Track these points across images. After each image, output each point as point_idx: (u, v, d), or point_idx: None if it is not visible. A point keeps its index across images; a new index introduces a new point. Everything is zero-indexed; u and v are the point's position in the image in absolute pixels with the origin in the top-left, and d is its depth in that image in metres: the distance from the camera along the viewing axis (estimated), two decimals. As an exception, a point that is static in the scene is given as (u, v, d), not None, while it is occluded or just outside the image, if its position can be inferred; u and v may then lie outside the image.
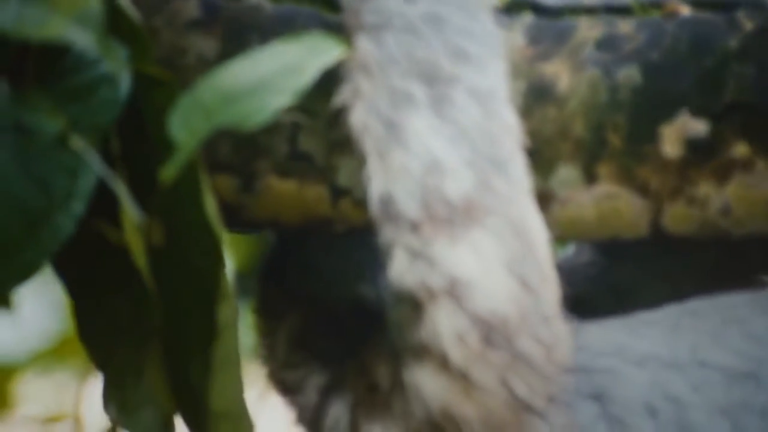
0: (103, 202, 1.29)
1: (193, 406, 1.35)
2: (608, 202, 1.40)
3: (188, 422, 1.36)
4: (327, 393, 1.42)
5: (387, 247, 1.33)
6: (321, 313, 1.47)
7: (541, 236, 1.34)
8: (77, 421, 2.58)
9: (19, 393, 2.65)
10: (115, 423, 1.38)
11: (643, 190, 1.40)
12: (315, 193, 1.40)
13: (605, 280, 1.53)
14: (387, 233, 1.33)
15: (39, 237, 1.26)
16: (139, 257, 1.28)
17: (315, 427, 1.42)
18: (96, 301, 1.36)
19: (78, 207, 1.27)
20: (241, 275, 1.56)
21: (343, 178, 1.39)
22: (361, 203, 1.39)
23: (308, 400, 1.44)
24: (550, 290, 1.34)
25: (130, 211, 1.26)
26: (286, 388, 1.47)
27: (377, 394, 1.36)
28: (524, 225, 1.33)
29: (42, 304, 2.78)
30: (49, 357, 2.73)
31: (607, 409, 1.35)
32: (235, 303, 1.33)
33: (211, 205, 1.29)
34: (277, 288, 1.49)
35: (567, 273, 1.45)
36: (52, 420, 2.69)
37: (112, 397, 1.38)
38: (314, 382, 1.44)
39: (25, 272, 1.26)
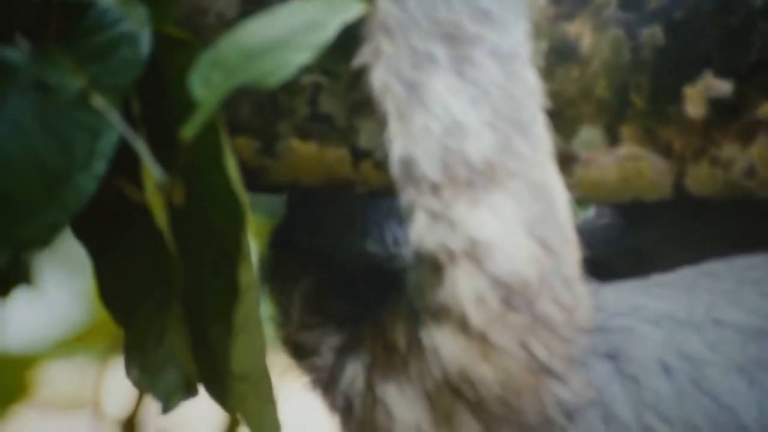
0: (124, 163, 1.29)
1: (213, 369, 1.35)
2: (631, 163, 1.39)
3: (207, 384, 1.36)
4: (343, 353, 1.42)
5: (408, 208, 1.33)
6: (333, 274, 1.47)
7: (562, 198, 1.34)
8: (98, 409, 2.59)
9: (41, 381, 2.66)
10: (137, 386, 1.38)
11: (666, 151, 1.39)
12: (336, 155, 1.39)
13: (625, 243, 1.52)
14: (408, 195, 1.32)
15: (60, 197, 1.26)
16: (161, 217, 1.27)
17: (331, 387, 1.42)
18: (117, 263, 1.36)
19: (99, 167, 1.27)
20: (265, 261, 1.57)
21: (364, 140, 1.39)
22: (383, 165, 1.38)
23: (324, 362, 1.44)
24: (571, 253, 1.33)
25: (152, 171, 1.26)
26: (302, 351, 1.47)
27: (394, 355, 1.36)
28: (545, 187, 1.33)
29: (65, 293, 2.79)
30: (71, 345, 2.75)
31: (621, 367, 1.35)
32: (254, 265, 1.33)
33: (232, 166, 1.29)
34: (289, 251, 1.49)
35: (587, 235, 1.44)
36: (72, 407, 2.70)
37: (133, 360, 1.38)
38: (330, 343, 1.44)
39: (46, 233, 1.26)
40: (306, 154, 1.39)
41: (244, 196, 1.30)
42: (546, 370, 1.32)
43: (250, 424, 1.35)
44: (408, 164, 1.32)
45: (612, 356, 1.35)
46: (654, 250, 1.51)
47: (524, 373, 1.32)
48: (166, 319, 1.35)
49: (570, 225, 1.34)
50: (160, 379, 1.38)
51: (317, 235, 1.48)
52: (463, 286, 1.30)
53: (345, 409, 1.41)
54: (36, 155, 1.26)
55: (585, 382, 1.34)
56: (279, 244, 1.51)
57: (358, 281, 1.47)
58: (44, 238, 1.25)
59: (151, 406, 2.64)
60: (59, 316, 2.78)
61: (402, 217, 1.48)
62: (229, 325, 1.31)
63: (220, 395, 1.35)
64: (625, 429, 1.33)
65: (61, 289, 2.80)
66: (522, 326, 1.31)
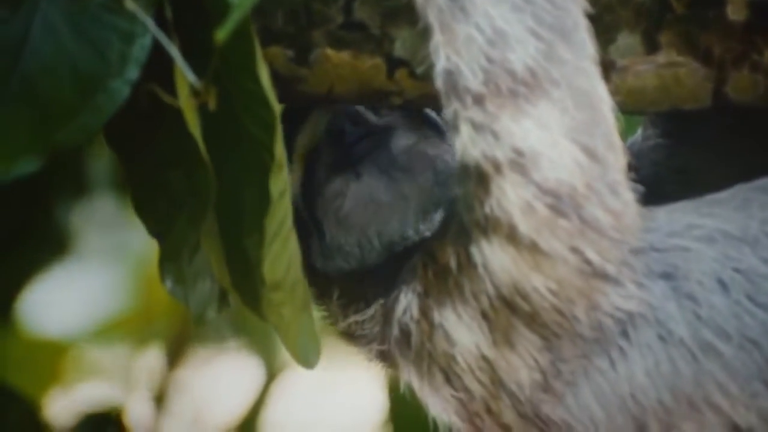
0: (157, 69, 1.31)
1: (248, 278, 1.36)
2: (669, 70, 1.39)
3: (242, 294, 1.37)
4: (395, 287, 1.43)
5: (452, 121, 1.34)
6: (362, 277, 1.47)
7: (606, 105, 1.34)
8: (130, 394, 2.63)
9: (76, 367, 2.71)
10: (172, 295, 1.40)
11: (705, 57, 1.39)
12: (370, 64, 1.40)
13: (672, 162, 1.52)
14: (452, 107, 1.33)
15: (94, 102, 1.28)
16: (193, 122, 1.29)
17: (386, 325, 1.43)
18: (151, 173, 1.38)
19: (133, 72, 1.28)
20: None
21: (399, 49, 1.40)
22: (417, 75, 1.39)
23: (375, 309, 1.45)
24: (617, 159, 1.34)
25: (185, 74, 1.27)
26: (352, 326, 1.48)
27: (447, 278, 1.38)
28: (589, 94, 1.33)
29: (101, 283, 2.87)
30: (107, 332, 2.82)
31: (677, 286, 1.36)
32: (287, 173, 1.34)
33: (264, 74, 1.30)
34: (315, 275, 1.48)
35: (634, 158, 1.44)
36: (106, 392, 2.74)
37: (168, 271, 1.40)
38: (375, 297, 1.46)
39: (80, 136, 1.28)
40: (340, 63, 1.40)
41: (276, 104, 1.31)
42: (598, 274, 1.34)
43: (284, 333, 1.36)
44: (451, 76, 1.32)
45: (667, 276, 1.36)
46: (702, 167, 1.51)
47: (576, 278, 1.34)
48: (200, 230, 1.36)
49: (614, 131, 1.34)
50: (195, 290, 1.40)
51: (342, 259, 1.47)
52: (510, 196, 1.32)
53: (402, 341, 1.41)
54: (70, 59, 1.28)
55: (637, 284, 1.35)
56: (306, 262, 1.47)
57: (385, 264, 1.47)
58: (78, 141, 1.27)
59: (183, 384, 2.70)
60: (96, 303, 2.84)
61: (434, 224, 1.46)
62: (262, 233, 1.32)
63: (254, 305, 1.36)
64: (682, 346, 1.35)
65: (98, 278, 2.87)
66: (571, 231, 1.32)
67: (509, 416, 1.37)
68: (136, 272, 2.83)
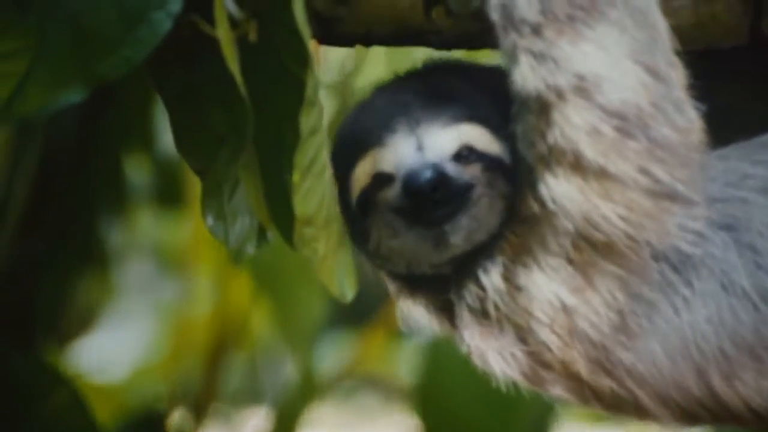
0: (198, 3, 1.35)
1: (286, 213, 1.40)
2: (706, 7, 1.42)
3: (280, 228, 1.41)
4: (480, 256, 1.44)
5: (510, 54, 1.37)
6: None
7: (663, 23, 1.37)
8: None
9: (115, 411, 2.78)
10: (212, 233, 1.44)
11: (742, -7, 1.42)
12: (408, 3, 1.44)
13: (709, 102, 1.55)
14: (509, 40, 1.36)
15: (137, 34, 1.33)
16: (231, 57, 1.34)
17: (458, 296, 1.45)
18: (192, 110, 1.43)
19: (175, 5, 1.34)
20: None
21: (436, -13, 1.44)
22: (454, 13, 1.43)
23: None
24: (678, 76, 1.37)
25: (225, 4, 1.32)
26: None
27: (527, 232, 1.39)
28: (646, 13, 1.37)
29: (139, 330, 3.01)
30: (139, 378, 2.91)
31: (738, 237, 1.40)
32: (321, 110, 1.37)
33: (299, 8, 1.34)
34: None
35: None
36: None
37: (209, 207, 1.44)
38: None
39: (124, 67, 1.33)
40: (378, 2, 1.44)
41: (309, 40, 1.35)
42: (668, 193, 1.37)
43: (319, 268, 1.38)
44: (507, 9, 1.36)
45: (729, 227, 1.40)
46: (739, 104, 1.53)
47: (645, 200, 1.36)
48: (240, 165, 1.40)
49: (673, 49, 1.37)
50: (235, 226, 1.44)
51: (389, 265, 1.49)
52: (576, 121, 1.35)
53: (476, 312, 1.43)
54: (113, -7, 1.32)
55: (706, 203, 1.38)
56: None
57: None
58: (121, 73, 1.33)
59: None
60: (132, 351, 2.94)
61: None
62: (294, 168, 1.36)
63: (291, 239, 1.39)
64: (744, 295, 1.38)
65: (134, 329, 2.96)
66: (640, 151, 1.35)
67: (580, 364, 1.41)
68: (168, 323, 2.95)
